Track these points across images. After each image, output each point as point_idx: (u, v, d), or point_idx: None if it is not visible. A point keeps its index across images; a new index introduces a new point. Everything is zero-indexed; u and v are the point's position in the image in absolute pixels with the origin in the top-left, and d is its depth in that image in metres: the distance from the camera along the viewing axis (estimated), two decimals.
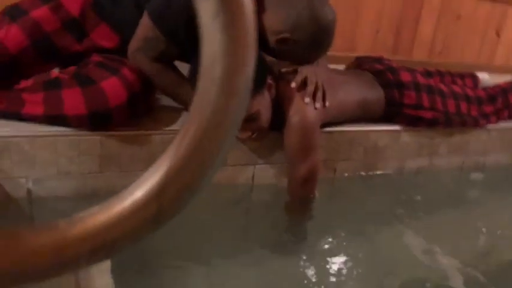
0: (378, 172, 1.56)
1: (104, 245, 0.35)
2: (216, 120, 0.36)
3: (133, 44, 1.17)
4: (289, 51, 1.22)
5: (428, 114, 1.52)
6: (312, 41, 1.20)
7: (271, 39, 1.20)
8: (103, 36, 1.20)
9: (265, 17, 1.19)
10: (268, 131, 1.27)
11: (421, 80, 1.55)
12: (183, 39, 1.13)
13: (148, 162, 1.22)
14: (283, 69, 1.37)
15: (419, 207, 1.47)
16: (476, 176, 1.77)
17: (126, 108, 1.12)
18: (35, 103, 1.08)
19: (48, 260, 0.34)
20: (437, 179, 1.66)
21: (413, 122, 1.53)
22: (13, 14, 1.11)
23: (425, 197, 1.53)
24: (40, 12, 1.11)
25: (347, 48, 2.16)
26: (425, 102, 1.52)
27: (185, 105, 1.33)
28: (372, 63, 1.60)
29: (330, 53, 2.11)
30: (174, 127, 1.23)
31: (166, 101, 1.34)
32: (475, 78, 1.89)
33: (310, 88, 1.25)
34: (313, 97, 1.26)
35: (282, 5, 1.19)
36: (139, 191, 0.36)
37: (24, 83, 1.12)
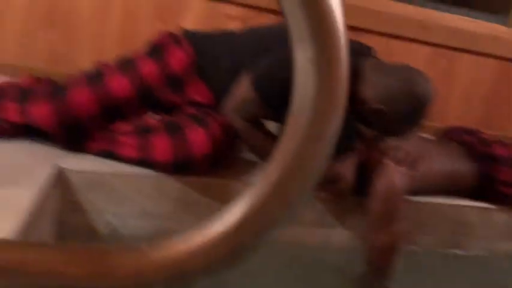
0: (462, 251, 1.44)
1: (180, 274, 0.36)
2: (299, 163, 0.37)
3: (231, 103, 1.23)
4: (382, 124, 1.19)
5: None
6: (406, 116, 1.16)
7: (365, 107, 1.18)
8: (199, 93, 1.28)
9: (361, 84, 1.18)
10: (350, 195, 1.25)
11: None
12: (280, 104, 1.16)
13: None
14: (371, 134, 1.35)
15: None
16: None
17: (209, 159, 1.16)
18: (129, 146, 1.16)
19: (124, 281, 0.35)
20: None
21: (506, 200, 1.42)
22: (125, 66, 1.22)
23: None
24: (148, 68, 1.22)
25: (436, 118, 2.09)
26: None
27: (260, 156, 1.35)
28: (462, 134, 1.54)
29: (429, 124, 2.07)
30: (247, 178, 1.25)
31: (247, 153, 1.38)
32: None
33: (400, 154, 1.22)
34: (402, 164, 1.22)
35: (380, 75, 1.18)
36: (220, 225, 0.37)
37: (121, 127, 1.22)
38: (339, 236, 1.32)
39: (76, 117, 1.15)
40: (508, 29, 2.15)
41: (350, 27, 1.83)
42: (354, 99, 1.18)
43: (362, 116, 1.18)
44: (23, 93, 1.20)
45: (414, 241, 1.38)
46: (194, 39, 1.30)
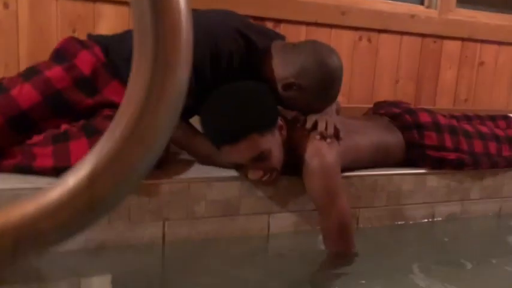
0: (404, 220, 1.46)
1: (34, 235, 0.33)
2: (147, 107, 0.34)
3: None
4: (295, 98, 1.23)
5: (452, 156, 1.45)
6: (318, 87, 1.21)
7: (279, 86, 1.22)
8: (115, 92, 1.23)
9: (273, 64, 1.22)
10: (280, 175, 1.23)
11: (443, 120, 1.50)
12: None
13: (157, 213, 1.20)
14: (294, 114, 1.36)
15: (453, 257, 1.34)
16: None
17: None
18: (45, 156, 1.10)
19: None
20: (471, 226, 1.54)
21: (437, 164, 1.46)
22: (27, 74, 1.17)
23: (458, 246, 1.41)
24: (53, 72, 1.17)
25: (367, 101, 2.14)
26: (448, 142, 1.45)
27: (198, 157, 1.33)
28: (388, 107, 1.57)
29: (350, 104, 2.11)
30: (182, 176, 1.21)
31: (174, 151, 1.35)
32: (508, 119, 1.80)
33: (321, 125, 1.21)
34: (327, 136, 1.21)
35: (290, 52, 1.23)
36: (71, 179, 0.34)
37: (36, 138, 1.15)
38: (281, 221, 1.31)
39: None
40: (424, 8, 2.25)
41: (271, 19, 1.84)
42: (270, 79, 1.20)
43: (281, 96, 1.19)
44: None
45: (355, 218, 1.39)
46: (100, 40, 1.28)
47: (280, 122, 1.18)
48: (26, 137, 1.14)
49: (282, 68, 1.21)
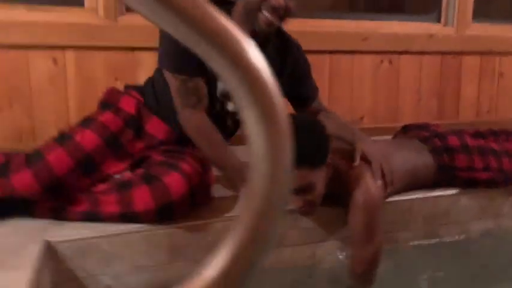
0: (440, 239, 1.53)
1: None
2: (264, 205, 0.44)
3: (175, 104, 1.34)
4: None
5: (483, 175, 1.51)
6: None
7: None
8: (156, 127, 1.40)
9: None
10: (316, 208, 1.31)
11: (471, 142, 1.56)
12: (193, 58, 1.26)
13: (212, 249, 1.29)
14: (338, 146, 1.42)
15: (489, 272, 1.41)
16: None
17: (188, 200, 1.23)
18: (110, 203, 1.21)
19: None
20: (506, 242, 1.59)
21: (468, 185, 1.53)
22: (85, 122, 1.32)
23: (495, 262, 1.47)
24: (105, 117, 1.32)
25: (392, 120, 2.22)
26: (478, 163, 1.52)
27: (223, 170, 1.41)
28: (418, 130, 1.64)
29: (375, 125, 2.19)
30: (231, 214, 1.31)
31: (218, 191, 1.44)
32: None
33: (376, 166, 1.30)
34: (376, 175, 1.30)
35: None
36: (208, 274, 0.43)
37: (100, 186, 1.27)
38: (323, 251, 1.39)
39: (55, 176, 1.19)
40: (441, 27, 2.32)
41: None
42: None
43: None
44: (0, 168, 1.22)
45: (394, 240, 1.46)
46: (136, 87, 1.47)
47: (328, 160, 1.27)
48: (89, 178, 1.26)
49: None
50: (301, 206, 1.27)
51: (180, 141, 1.40)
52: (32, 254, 1.04)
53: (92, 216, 1.22)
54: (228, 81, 0.41)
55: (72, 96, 1.70)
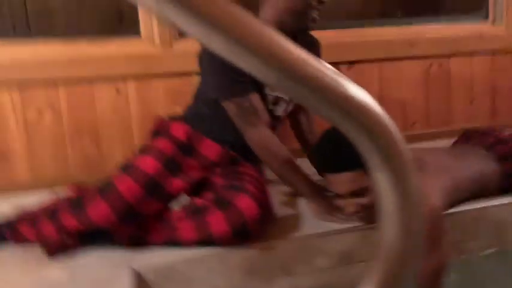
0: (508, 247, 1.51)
1: None
2: (399, 254, 0.47)
3: (238, 126, 1.40)
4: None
5: None
6: None
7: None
8: (208, 148, 1.46)
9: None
10: (374, 213, 1.32)
11: None
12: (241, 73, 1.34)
13: (284, 269, 1.32)
14: None
15: None
16: None
17: (259, 219, 1.27)
18: (187, 230, 1.27)
19: None
20: None
21: None
22: (144, 149, 1.41)
23: None
24: (160, 144, 1.40)
25: (445, 124, 2.20)
26: None
27: (291, 184, 1.47)
28: (480, 136, 1.62)
29: (428, 130, 2.17)
30: (300, 233, 1.34)
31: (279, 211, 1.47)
32: None
33: (431, 169, 1.30)
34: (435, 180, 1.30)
35: None
36: None
37: (176, 213, 1.33)
38: None
39: (128, 204, 1.25)
40: (490, 26, 2.28)
41: (344, 62, 1.95)
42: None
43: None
44: (75, 202, 1.31)
45: (463, 250, 1.46)
46: (180, 116, 1.53)
47: None
48: (159, 201, 1.32)
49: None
50: (357, 211, 1.29)
51: (234, 161, 1.47)
52: (124, 283, 1.11)
53: (172, 243, 1.28)
54: (359, 144, 0.45)
55: (135, 123, 1.78)
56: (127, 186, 1.26)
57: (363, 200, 1.26)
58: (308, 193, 1.43)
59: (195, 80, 1.81)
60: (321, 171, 1.32)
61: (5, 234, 1.33)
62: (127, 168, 1.33)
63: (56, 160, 1.73)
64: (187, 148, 1.43)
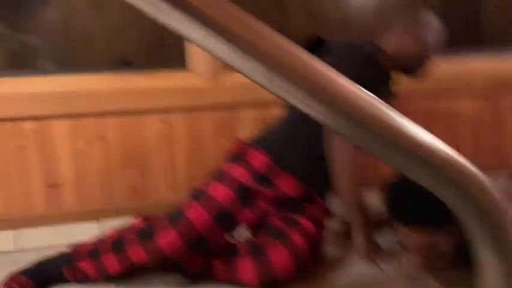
0: None
1: None
2: None
3: (333, 136, 1.35)
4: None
5: None
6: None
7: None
8: (286, 184, 1.39)
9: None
10: (445, 270, 1.26)
11: None
12: None
13: None
14: None
15: None
16: None
17: (293, 275, 1.25)
18: (248, 272, 1.26)
19: None
20: None
21: None
22: (217, 176, 1.38)
23: None
24: (236, 171, 1.36)
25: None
26: None
27: (349, 207, 1.42)
28: None
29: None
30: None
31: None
32: None
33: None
34: None
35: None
36: None
37: (239, 248, 1.34)
38: None
39: (198, 233, 1.25)
40: None
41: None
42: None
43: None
44: (144, 232, 1.28)
45: None
46: (262, 141, 1.45)
47: (453, 227, 1.22)
48: (226, 230, 1.32)
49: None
50: (426, 267, 1.24)
51: (307, 197, 1.41)
52: None
53: (233, 283, 1.28)
54: (462, 218, 0.41)
55: (181, 155, 1.78)
56: (197, 215, 1.26)
57: (432, 257, 1.23)
58: (357, 228, 1.40)
59: (239, 112, 1.82)
60: (395, 220, 1.26)
61: (62, 271, 1.29)
62: (199, 195, 1.31)
63: (102, 189, 1.75)
64: (263, 179, 1.38)
